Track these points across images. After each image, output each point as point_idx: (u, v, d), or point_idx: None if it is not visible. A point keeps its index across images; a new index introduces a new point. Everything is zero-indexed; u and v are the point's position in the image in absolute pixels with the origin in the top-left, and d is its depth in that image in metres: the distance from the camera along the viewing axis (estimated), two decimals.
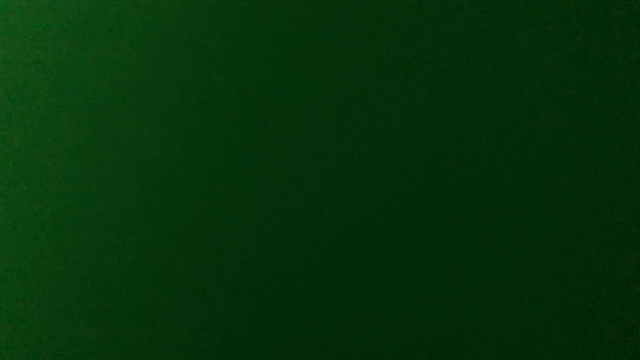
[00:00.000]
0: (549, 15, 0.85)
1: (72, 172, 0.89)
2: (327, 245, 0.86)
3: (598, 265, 0.84)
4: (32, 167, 0.89)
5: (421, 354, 0.85)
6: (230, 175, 0.88)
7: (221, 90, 0.88)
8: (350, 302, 0.86)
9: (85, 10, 0.89)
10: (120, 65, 0.89)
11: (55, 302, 0.88)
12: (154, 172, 0.88)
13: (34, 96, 0.89)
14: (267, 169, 0.87)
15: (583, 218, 0.84)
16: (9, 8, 0.90)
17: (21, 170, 0.89)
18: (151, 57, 0.89)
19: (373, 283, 0.86)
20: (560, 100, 0.85)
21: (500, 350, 0.84)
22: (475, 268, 0.85)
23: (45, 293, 0.89)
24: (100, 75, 0.89)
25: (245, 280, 0.87)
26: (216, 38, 0.88)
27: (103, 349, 0.88)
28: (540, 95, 0.85)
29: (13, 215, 0.89)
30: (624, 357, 0.83)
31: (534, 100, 0.85)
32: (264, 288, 0.87)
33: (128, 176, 0.88)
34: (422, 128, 0.86)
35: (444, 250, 0.85)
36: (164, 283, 0.88)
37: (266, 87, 0.87)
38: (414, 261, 0.85)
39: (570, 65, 0.84)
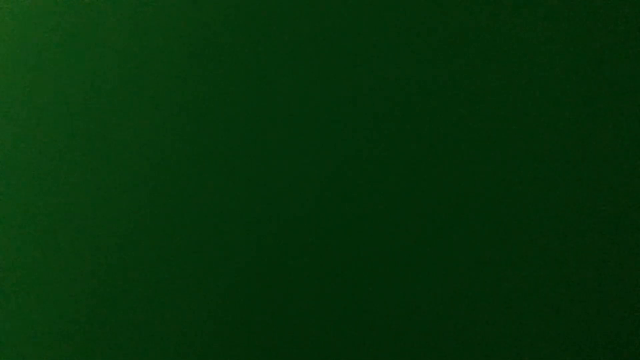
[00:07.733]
0: (549, 15, 0.85)
1: (72, 172, 0.89)
2: (327, 245, 0.86)
3: (598, 265, 0.84)
4: (32, 167, 0.89)
5: (421, 353, 0.85)
6: (230, 175, 0.88)
7: (221, 90, 0.88)
8: (350, 302, 0.86)
9: (84, 9, 0.89)
10: (119, 65, 0.89)
11: (55, 302, 0.89)
12: (153, 172, 0.88)
13: (34, 96, 0.90)
14: (267, 169, 0.87)
15: (583, 218, 0.84)
16: (9, 8, 0.90)
17: (21, 170, 0.89)
18: (150, 57, 0.89)
19: (373, 283, 0.86)
20: (559, 100, 0.85)
21: (500, 350, 0.84)
22: (475, 268, 0.85)
23: (44, 293, 0.89)
24: (100, 75, 0.89)
25: (245, 280, 0.87)
26: (215, 38, 0.88)
27: (103, 348, 0.88)
28: (539, 95, 0.85)
29: (13, 215, 0.89)
30: (624, 357, 0.83)
31: (534, 100, 0.85)
32: (263, 288, 0.87)
33: (127, 176, 0.88)
34: (420, 127, 0.86)
35: (444, 250, 0.85)
36: (163, 283, 0.88)
37: (265, 86, 0.88)
38: (414, 261, 0.86)
39: (570, 65, 0.85)
